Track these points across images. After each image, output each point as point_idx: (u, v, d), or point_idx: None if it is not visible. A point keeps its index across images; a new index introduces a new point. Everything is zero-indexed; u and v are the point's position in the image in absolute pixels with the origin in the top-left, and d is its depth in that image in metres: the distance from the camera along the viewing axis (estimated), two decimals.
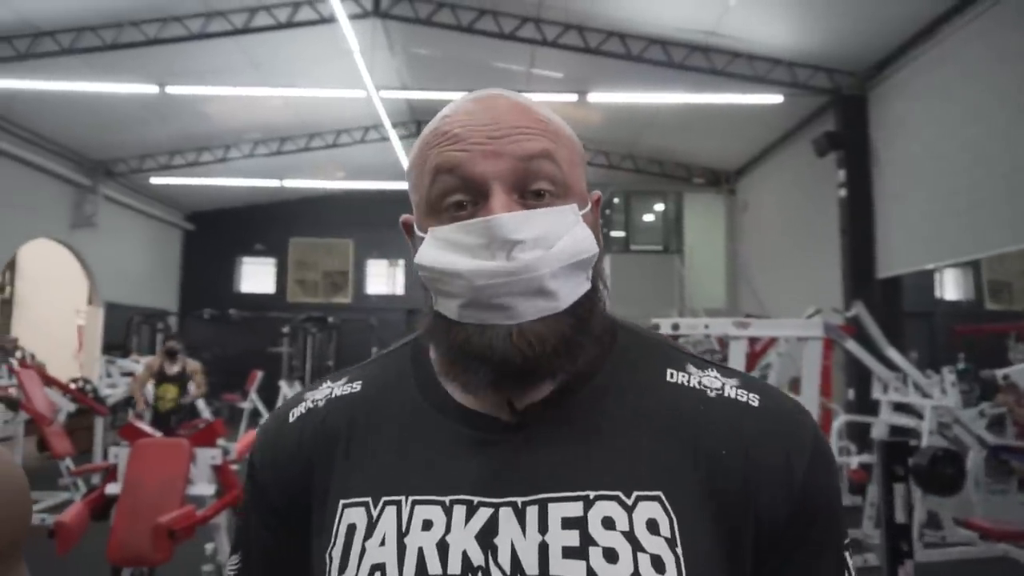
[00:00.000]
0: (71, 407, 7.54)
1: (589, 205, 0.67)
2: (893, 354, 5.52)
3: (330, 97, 10.18)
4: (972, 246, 6.98)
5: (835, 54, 8.16)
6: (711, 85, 8.87)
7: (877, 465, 3.02)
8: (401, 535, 0.59)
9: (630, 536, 0.57)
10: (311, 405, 0.71)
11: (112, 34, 8.33)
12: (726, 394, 0.64)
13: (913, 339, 10.85)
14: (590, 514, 0.58)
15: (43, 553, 3.83)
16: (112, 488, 3.55)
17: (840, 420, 6.05)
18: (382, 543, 0.60)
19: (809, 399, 3.29)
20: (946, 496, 4.93)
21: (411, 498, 0.61)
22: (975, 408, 5.77)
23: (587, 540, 0.57)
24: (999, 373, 4.32)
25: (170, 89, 9.35)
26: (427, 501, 0.60)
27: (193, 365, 6.76)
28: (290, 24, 8.59)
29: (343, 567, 0.61)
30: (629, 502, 0.58)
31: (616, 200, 13.55)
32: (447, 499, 0.60)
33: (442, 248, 0.60)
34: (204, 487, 3.67)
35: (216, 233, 16.36)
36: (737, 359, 3.35)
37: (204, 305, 15.56)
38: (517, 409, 0.62)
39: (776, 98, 8.82)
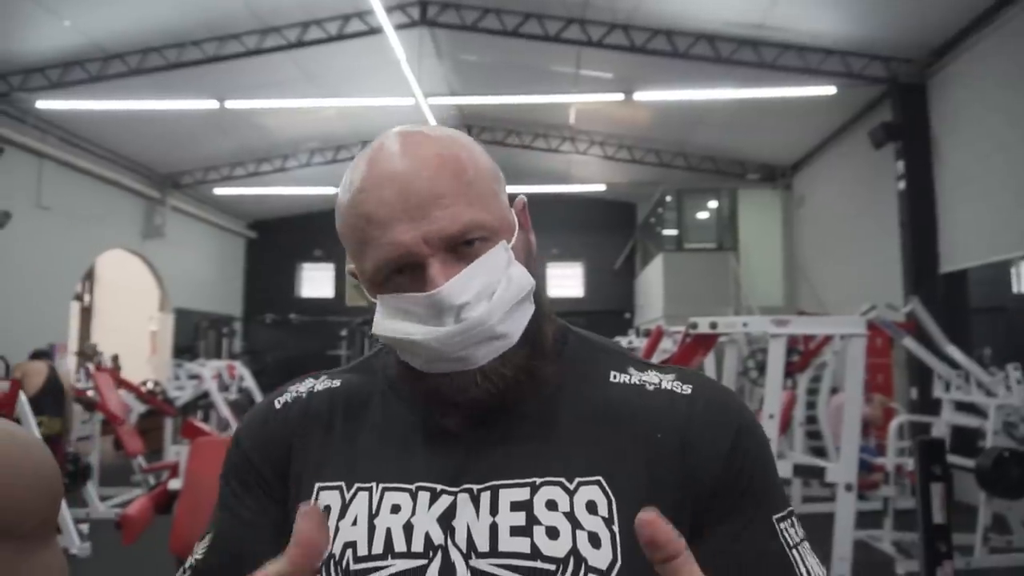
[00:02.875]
0: (143, 408, 7.97)
1: (516, 225, 0.70)
2: (953, 351, 5.31)
3: (381, 106, 10.42)
4: None
5: (890, 42, 7.89)
6: (761, 79, 8.69)
7: (914, 464, 2.94)
8: (372, 516, 0.66)
9: (570, 516, 0.63)
10: (295, 395, 0.77)
11: (175, 53, 8.76)
12: (662, 386, 0.71)
13: (986, 335, 10.35)
14: (535, 498, 0.64)
15: (113, 543, 4.08)
16: (174, 484, 3.76)
17: (899, 420, 5.85)
18: (354, 523, 0.66)
19: (852, 399, 3.22)
20: (1013, 499, 4.72)
21: (381, 485, 0.68)
22: None
23: (532, 520, 0.63)
24: None
25: (229, 104, 9.76)
26: (396, 488, 0.67)
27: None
28: (341, 36, 8.85)
29: None
30: (571, 487, 0.64)
31: (668, 198, 13.40)
32: (414, 486, 0.67)
33: (394, 317, 0.65)
34: None
35: (277, 240, 16.93)
36: (776, 358, 3.30)
37: (267, 310, 16.13)
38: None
39: (829, 89, 8.58)
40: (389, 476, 0.68)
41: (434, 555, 0.63)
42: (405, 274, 0.65)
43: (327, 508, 0.68)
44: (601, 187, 14.58)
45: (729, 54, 8.39)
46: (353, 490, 0.68)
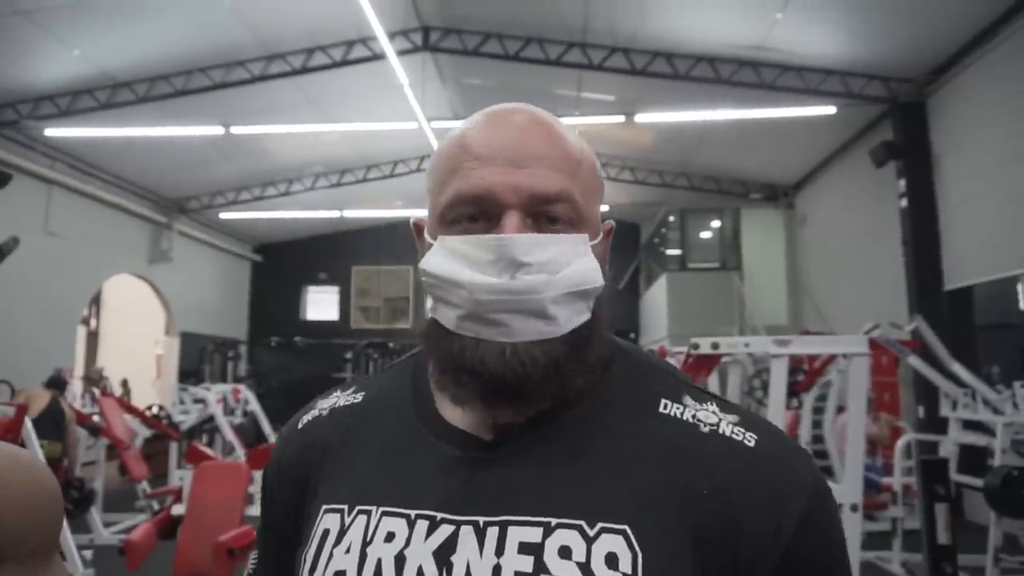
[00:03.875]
0: (148, 432, 7.98)
1: (601, 235, 0.67)
2: (959, 368, 5.29)
3: (383, 130, 10.53)
4: None
5: (889, 62, 7.95)
6: (762, 99, 8.77)
7: (917, 484, 2.92)
8: (365, 544, 0.61)
9: (585, 568, 0.55)
10: (317, 413, 0.75)
11: (182, 81, 8.89)
12: (720, 431, 0.62)
13: (995, 353, 10.28)
14: (548, 541, 0.56)
15: (116, 569, 4.07)
16: (177, 509, 3.76)
17: (906, 439, 5.81)
18: (347, 551, 0.61)
19: (855, 419, 3.21)
20: (1023, 518, 4.67)
21: (380, 509, 0.62)
22: None
23: (540, 567, 0.55)
24: None
25: (234, 129, 9.88)
26: (394, 513, 0.61)
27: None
28: (345, 62, 8.97)
29: (312, 570, 0.63)
30: (591, 533, 0.56)
31: (671, 218, 13.44)
32: (412, 513, 0.61)
33: (449, 257, 0.61)
34: None
35: (282, 264, 17.04)
36: (778, 378, 3.30)
37: (272, 333, 16.17)
38: (498, 427, 0.63)
39: (829, 109, 8.64)
40: (390, 499, 0.63)
41: None
42: (478, 223, 0.62)
43: (326, 532, 0.64)
44: (604, 208, 14.62)
45: (729, 75, 8.47)
46: (353, 513, 0.63)
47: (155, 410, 8.66)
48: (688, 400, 0.64)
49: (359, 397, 0.74)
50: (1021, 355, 12.53)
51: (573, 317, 0.61)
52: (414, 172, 13.46)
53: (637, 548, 0.56)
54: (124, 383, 11.94)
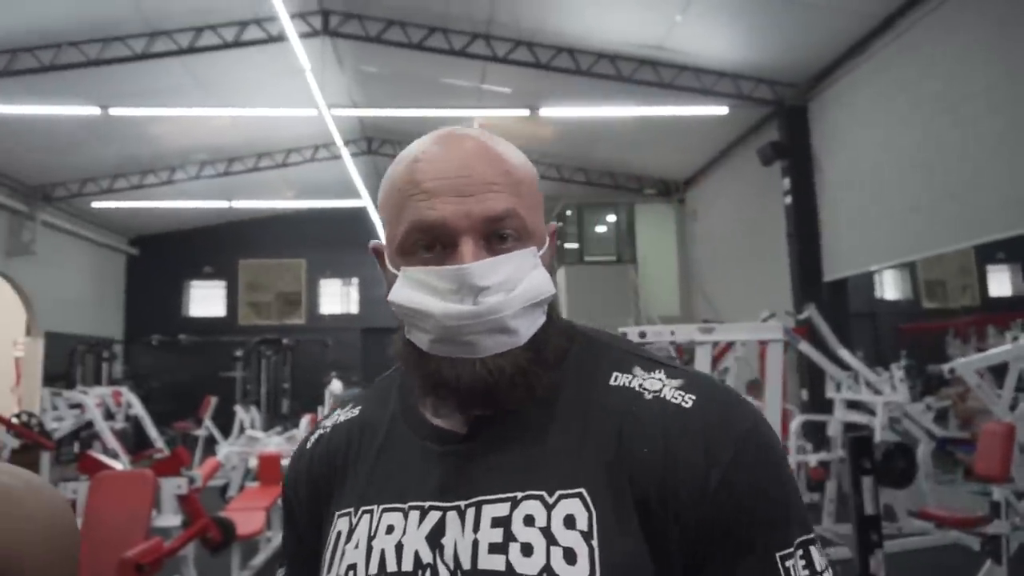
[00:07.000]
0: (14, 443, 7.22)
1: (547, 241, 0.72)
2: (844, 353, 5.73)
3: (279, 116, 10.05)
4: (909, 248, 7.31)
5: (777, 67, 8.48)
6: (659, 98, 9.09)
7: (846, 460, 3.13)
8: (370, 538, 0.68)
9: (546, 532, 0.62)
10: (322, 432, 0.82)
11: (50, 55, 8.07)
12: (662, 395, 0.67)
13: (858, 338, 11.23)
14: (515, 513, 0.63)
15: None
16: None
17: (797, 420, 6.23)
18: (356, 546, 0.69)
19: (772, 401, 3.40)
20: (900, 488, 5.12)
21: (381, 507, 0.70)
22: (921, 402, 6.03)
23: (509, 537, 0.62)
24: (946, 368, 4.54)
25: (113, 111, 9.10)
26: (392, 508, 0.69)
27: None
28: (237, 43, 8.47)
29: (329, 568, 0.70)
30: (551, 500, 0.63)
31: (569, 212, 13.71)
32: (406, 506, 0.68)
33: (415, 288, 0.67)
34: (170, 518, 3.57)
35: (162, 257, 15.90)
36: (702, 365, 3.44)
37: (151, 331, 15.09)
38: (470, 422, 0.70)
39: (722, 110, 9.09)
40: (387, 497, 0.70)
41: (423, 573, 0.64)
42: (434, 252, 0.67)
43: (339, 534, 0.71)
44: None
45: (630, 73, 8.72)
46: (359, 514, 0.71)
47: (23, 417, 7.84)
48: (637, 370, 0.70)
49: (356, 411, 0.81)
50: (878, 341, 13.79)
51: (531, 325, 0.68)
52: (309, 161, 12.95)
53: (592, 508, 0.62)
54: None
